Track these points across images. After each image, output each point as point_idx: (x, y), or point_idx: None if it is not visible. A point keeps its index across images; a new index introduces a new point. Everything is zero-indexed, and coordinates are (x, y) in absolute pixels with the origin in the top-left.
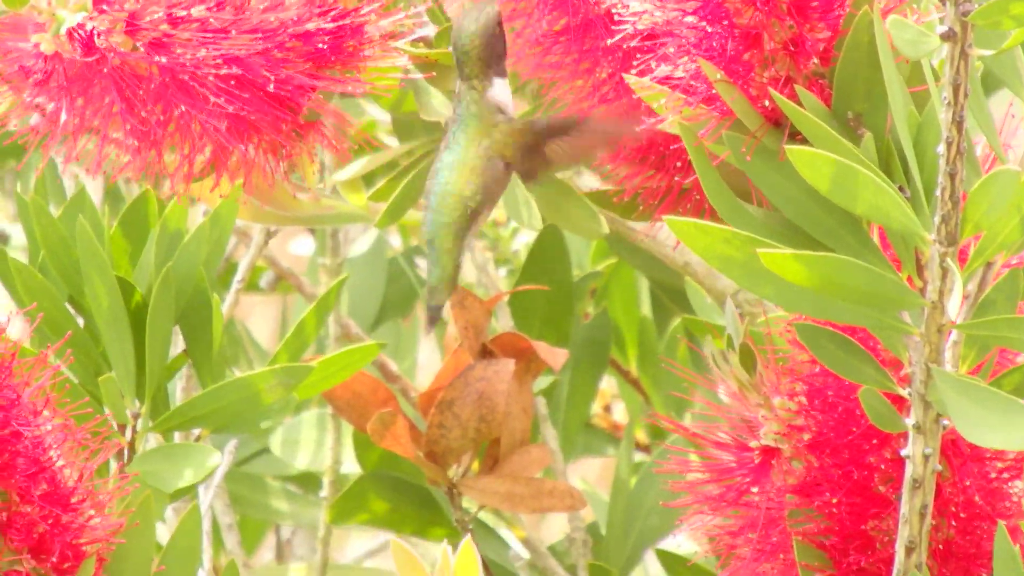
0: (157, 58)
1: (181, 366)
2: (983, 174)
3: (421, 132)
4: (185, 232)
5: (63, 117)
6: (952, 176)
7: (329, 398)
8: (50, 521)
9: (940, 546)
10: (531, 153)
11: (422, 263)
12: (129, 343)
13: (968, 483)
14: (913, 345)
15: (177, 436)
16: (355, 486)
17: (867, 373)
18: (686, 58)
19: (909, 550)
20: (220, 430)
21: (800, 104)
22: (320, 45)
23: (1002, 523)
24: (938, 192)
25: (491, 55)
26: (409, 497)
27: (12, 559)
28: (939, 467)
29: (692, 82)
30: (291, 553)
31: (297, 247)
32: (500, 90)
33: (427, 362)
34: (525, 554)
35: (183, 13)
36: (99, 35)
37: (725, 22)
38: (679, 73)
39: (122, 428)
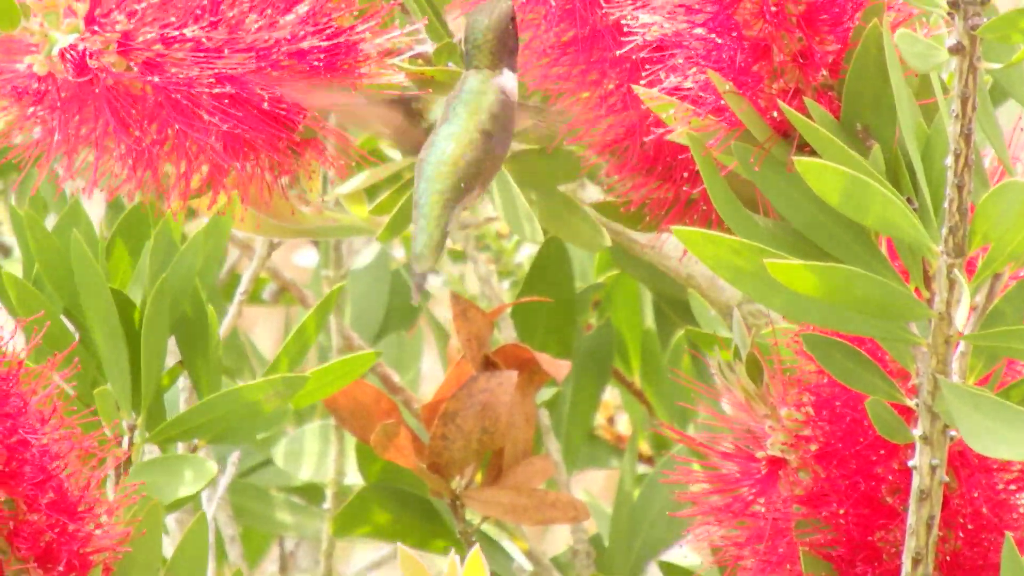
0: (151, 77)
1: (177, 377)
2: (991, 186)
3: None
4: (181, 242)
5: (59, 136)
6: (960, 188)
7: (332, 409)
8: (57, 530)
9: (947, 557)
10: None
11: None
12: (124, 355)
13: (975, 494)
14: (920, 356)
15: (180, 447)
16: (358, 498)
17: (874, 384)
18: (695, 69)
19: (916, 561)
20: (217, 441)
21: (809, 116)
22: (315, 63)
23: (1009, 534)
24: (946, 204)
25: (502, 49)
26: (412, 509)
27: (19, 568)
28: (946, 478)
29: (701, 93)
30: (294, 565)
31: (300, 259)
32: (508, 80)
33: (430, 373)
34: (528, 566)
35: (176, 33)
36: (92, 55)
37: (734, 33)
38: (688, 84)
39: (118, 440)
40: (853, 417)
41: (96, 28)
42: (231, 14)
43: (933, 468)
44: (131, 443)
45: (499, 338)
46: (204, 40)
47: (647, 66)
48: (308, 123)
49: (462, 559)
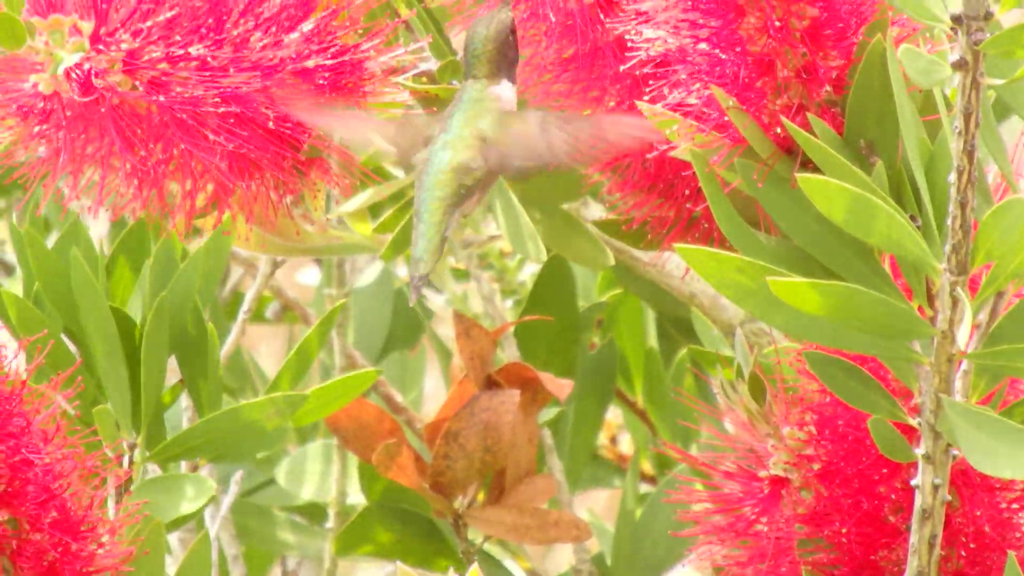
0: (156, 97)
1: (178, 395)
2: (994, 203)
3: None
4: (181, 260)
5: (64, 155)
6: (963, 205)
7: (334, 429)
8: (59, 549)
9: None
10: (526, 143)
11: (427, 293)
12: (124, 373)
13: (978, 513)
14: (923, 375)
15: (182, 466)
16: (361, 517)
17: (877, 402)
18: (698, 85)
19: None
20: (218, 459)
21: (812, 132)
22: (320, 81)
23: (1012, 553)
24: (949, 221)
25: (502, 59)
26: (415, 528)
27: None
28: (949, 497)
29: (704, 109)
30: None
31: (304, 278)
32: (506, 90)
33: (433, 393)
34: None
35: (181, 52)
36: (97, 75)
37: (738, 49)
38: (691, 100)
39: (119, 458)
40: (855, 436)
41: (101, 47)
42: (236, 33)
43: (935, 487)
44: (132, 462)
45: (502, 357)
46: (209, 59)
47: (650, 82)
48: (312, 142)
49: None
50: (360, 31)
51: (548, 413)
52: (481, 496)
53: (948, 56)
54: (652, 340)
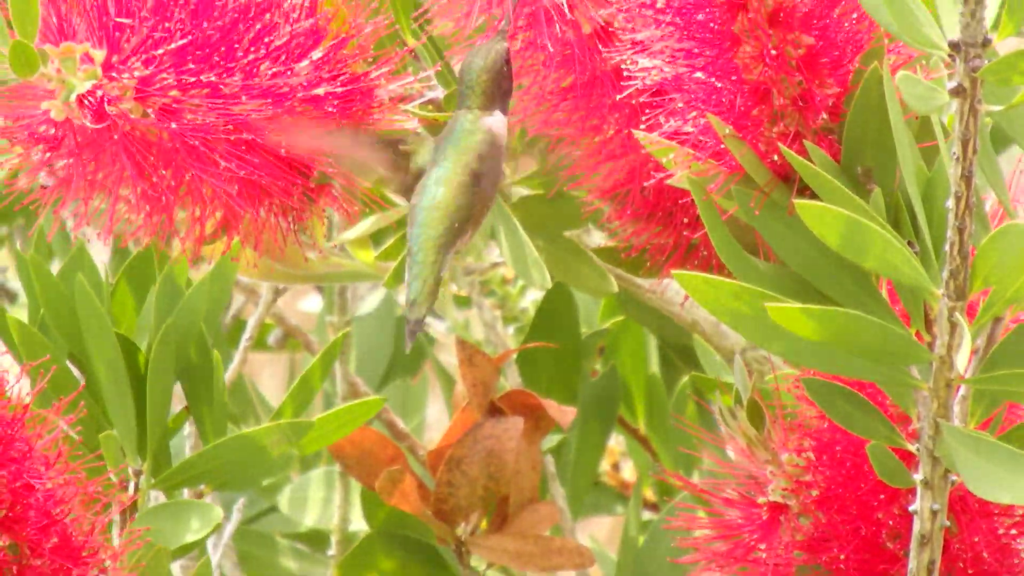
0: (167, 124)
1: (183, 422)
2: (992, 229)
3: None
4: (187, 287)
5: (75, 181)
6: (961, 231)
7: (337, 455)
8: (61, 575)
9: None
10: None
11: (430, 320)
12: (130, 400)
13: (976, 539)
14: (921, 400)
15: (186, 493)
16: (363, 544)
17: (875, 428)
18: (695, 113)
19: None
20: (223, 487)
21: (809, 159)
22: (329, 109)
23: None
24: (947, 247)
25: (496, 90)
26: (417, 555)
27: None
28: (947, 523)
29: (701, 137)
30: None
31: (305, 305)
32: (499, 121)
33: (436, 420)
34: None
35: (193, 79)
36: (109, 102)
37: (734, 77)
38: (688, 128)
39: (124, 485)
40: (854, 462)
41: (114, 74)
42: (246, 60)
43: (934, 513)
44: (137, 488)
45: (505, 384)
46: (221, 86)
47: (647, 110)
48: (322, 168)
49: None
50: (369, 59)
51: (551, 440)
52: (484, 523)
53: (946, 83)
54: (654, 367)
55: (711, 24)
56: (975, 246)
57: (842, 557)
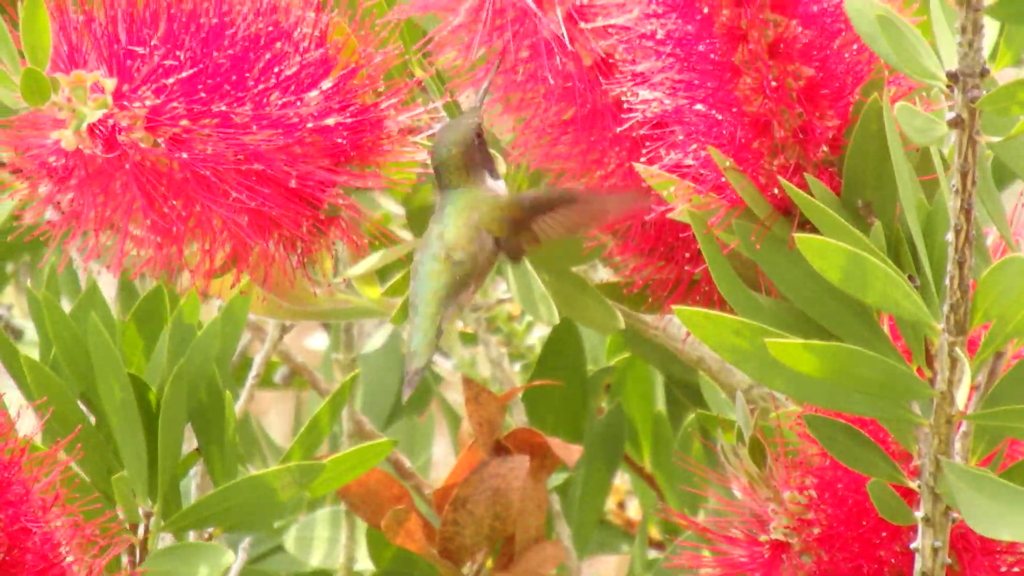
0: (178, 154)
1: (193, 463)
2: (993, 263)
3: None
4: (198, 327)
5: (84, 213)
6: (961, 264)
7: (343, 495)
8: None
9: None
10: (518, 228)
11: (436, 358)
12: (141, 441)
13: None
14: (922, 436)
15: (191, 534)
16: None
17: (877, 465)
18: (695, 145)
19: None
20: (233, 529)
21: (810, 192)
22: (339, 140)
23: None
24: (947, 281)
25: (470, 164)
26: None
27: None
28: (949, 560)
29: (702, 170)
30: None
31: (312, 342)
32: (492, 183)
33: (442, 458)
34: None
35: (203, 108)
36: (120, 131)
37: (734, 110)
38: (688, 161)
39: (134, 527)
40: (855, 499)
41: (125, 103)
42: (257, 90)
43: (935, 550)
44: (147, 530)
45: (511, 422)
46: (231, 116)
47: (647, 143)
48: (332, 200)
49: None
50: (378, 90)
51: (556, 478)
52: (490, 563)
53: (945, 114)
54: (660, 404)
55: (711, 55)
56: (976, 280)
57: None
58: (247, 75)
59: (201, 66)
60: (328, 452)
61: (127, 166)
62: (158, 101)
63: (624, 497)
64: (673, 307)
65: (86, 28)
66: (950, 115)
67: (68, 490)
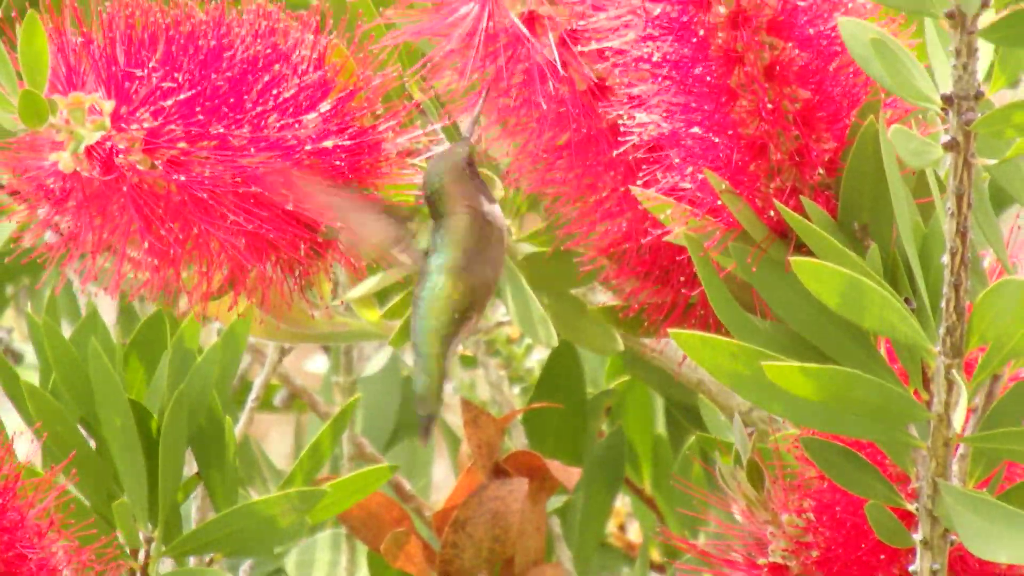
0: (175, 176)
1: (194, 488)
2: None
3: None
4: (198, 352)
5: (82, 235)
6: (956, 287)
7: (343, 518)
8: None
9: None
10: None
11: None
12: (142, 466)
13: None
14: (920, 459)
15: (192, 559)
16: None
17: (874, 488)
18: (691, 169)
19: None
20: (234, 554)
21: (806, 215)
22: (337, 162)
23: None
24: (943, 303)
25: (463, 192)
26: None
27: None
28: None
29: (698, 193)
30: None
31: (311, 365)
32: (489, 208)
33: (442, 480)
34: None
35: (201, 130)
36: (118, 153)
37: (730, 132)
38: (685, 184)
39: (134, 553)
40: (854, 522)
41: (123, 125)
42: (255, 112)
43: (934, 573)
44: (148, 556)
45: (510, 445)
46: (229, 138)
47: (643, 166)
48: (330, 223)
49: None
50: (377, 113)
51: (556, 501)
52: None
53: (940, 137)
54: (660, 427)
55: (707, 78)
56: (972, 302)
57: None
58: (245, 97)
59: (199, 88)
60: (329, 475)
61: (124, 188)
62: (156, 123)
63: (625, 520)
64: (669, 331)
65: (84, 50)
66: (945, 138)
67: (66, 515)
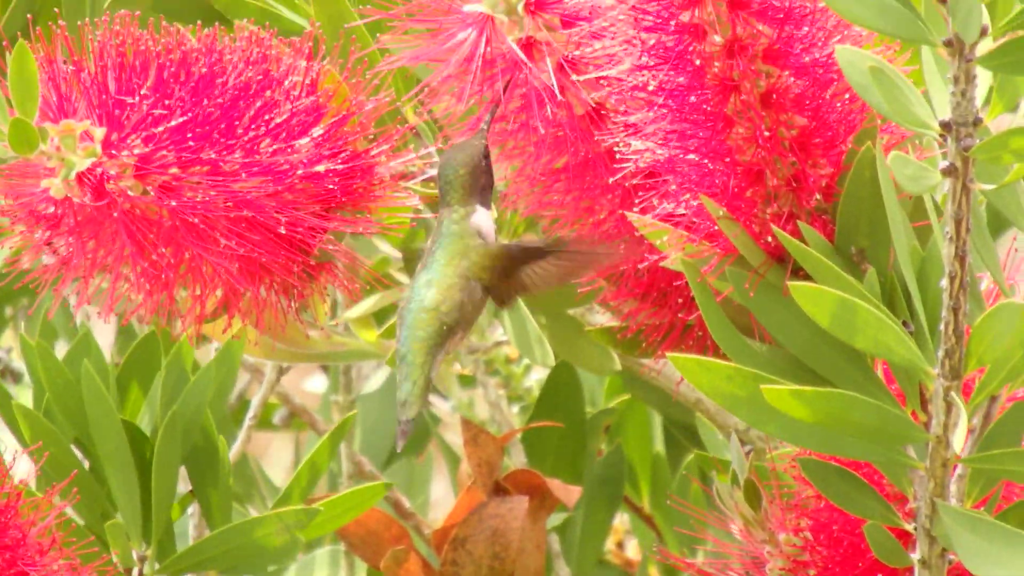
0: (167, 201)
1: (188, 506)
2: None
3: None
4: (192, 371)
5: (75, 259)
6: (955, 310)
7: (342, 535)
8: None
9: None
10: (507, 277)
11: (434, 400)
12: (135, 485)
13: None
14: (918, 480)
15: None
16: None
17: (872, 508)
18: (688, 195)
19: None
20: (228, 572)
21: (803, 240)
22: (330, 186)
23: None
24: (942, 326)
25: (475, 185)
26: None
27: None
28: None
29: (695, 219)
30: None
31: (310, 384)
32: (483, 217)
33: (441, 499)
34: None
35: (193, 156)
36: (109, 179)
37: (727, 159)
38: (681, 210)
39: (128, 572)
40: (851, 541)
41: (114, 152)
42: (247, 137)
43: None
44: (142, 574)
45: (509, 463)
46: (221, 163)
47: (640, 192)
48: (323, 246)
49: None
50: (370, 137)
51: (556, 519)
52: None
53: (938, 163)
54: (659, 445)
55: (704, 106)
56: (970, 325)
57: None
58: (237, 123)
59: (191, 114)
60: (327, 493)
61: (116, 214)
62: (147, 149)
63: (623, 537)
64: (667, 354)
65: (75, 78)
66: (943, 164)
67: (64, 534)
